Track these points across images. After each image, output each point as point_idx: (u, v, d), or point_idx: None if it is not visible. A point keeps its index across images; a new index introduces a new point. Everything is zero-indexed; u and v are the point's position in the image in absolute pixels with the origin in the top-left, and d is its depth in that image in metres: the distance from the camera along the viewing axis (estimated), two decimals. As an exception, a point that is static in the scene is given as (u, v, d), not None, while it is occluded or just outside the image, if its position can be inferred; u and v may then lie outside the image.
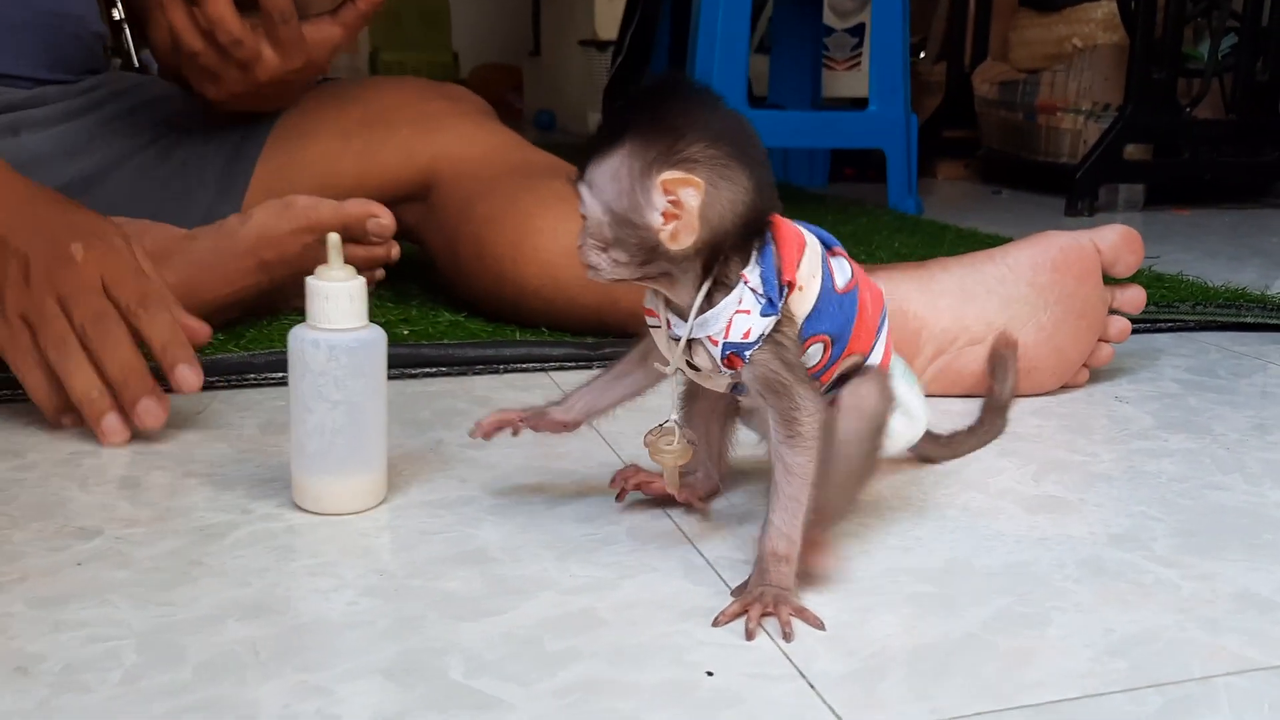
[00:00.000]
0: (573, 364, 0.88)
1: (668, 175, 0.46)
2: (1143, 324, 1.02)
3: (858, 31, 2.55)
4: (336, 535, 0.55)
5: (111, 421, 0.67)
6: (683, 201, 0.46)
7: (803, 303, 0.50)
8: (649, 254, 0.48)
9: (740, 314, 0.48)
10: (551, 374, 0.86)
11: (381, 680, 0.42)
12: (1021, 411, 0.78)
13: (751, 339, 0.48)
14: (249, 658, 0.44)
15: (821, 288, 0.51)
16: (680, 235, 0.47)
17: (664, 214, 0.46)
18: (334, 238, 0.56)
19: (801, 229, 0.52)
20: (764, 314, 0.48)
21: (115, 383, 0.67)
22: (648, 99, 0.48)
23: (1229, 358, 0.94)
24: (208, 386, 0.78)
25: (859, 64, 2.58)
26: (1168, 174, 2.06)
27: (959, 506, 0.61)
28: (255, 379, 0.80)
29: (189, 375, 0.67)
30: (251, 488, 0.61)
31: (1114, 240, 0.80)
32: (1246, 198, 2.15)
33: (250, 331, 0.90)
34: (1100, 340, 0.83)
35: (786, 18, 2.23)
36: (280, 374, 0.80)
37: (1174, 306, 1.06)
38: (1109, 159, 1.90)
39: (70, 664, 0.43)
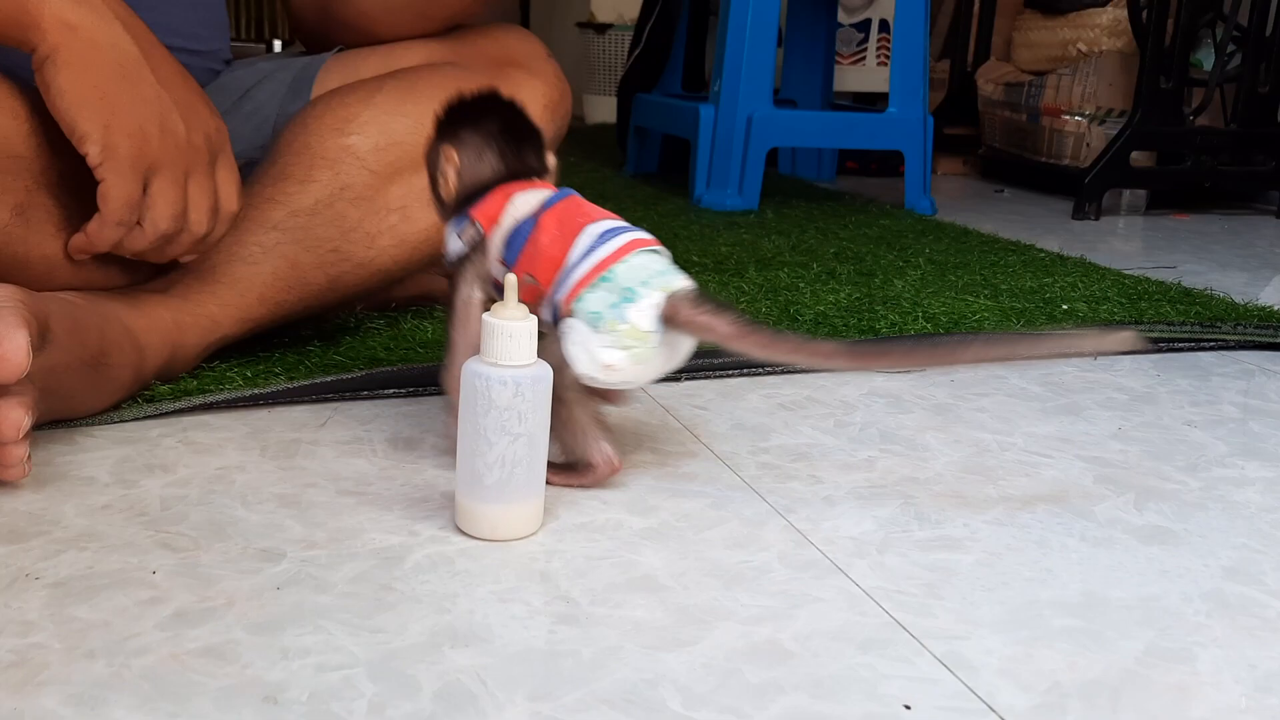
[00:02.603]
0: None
1: (447, 149, 0.71)
2: (1188, 343, 1.07)
3: (864, 26, 2.58)
4: (508, 560, 0.58)
5: None
6: (450, 166, 0.70)
7: (495, 236, 0.69)
8: (443, 200, 0.72)
9: (451, 236, 0.71)
10: (646, 387, 0.89)
11: (609, 711, 0.45)
12: (1101, 435, 0.82)
13: (450, 251, 0.71)
14: (478, 687, 0.47)
15: (512, 227, 0.68)
16: (448, 187, 0.71)
17: (443, 173, 0.71)
18: (511, 279, 0.59)
19: (537, 193, 0.70)
20: (456, 235, 0.70)
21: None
22: (465, 106, 0.73)
23: (1273, 379, 1.00)
24: (326, 400, 0.81)
25: (864, 59, 2.61)
26: (1170, 181, 2.12)
27: (1076, 536, 0.65)
28: (368, 394, 0.82)
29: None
30: (408, 508, 0.64)
31: None
32: (1237, 203, 2.22)
33: (340, 348, 0.93)
34: None
35: (801, 13, 2.25)
36: (393, 390, 0.83)
37: (1216, 326, 1.11)
38: (1116, 164, 1.95)
39: (314, 693, 0.46)
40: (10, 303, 0.62)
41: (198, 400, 0.77)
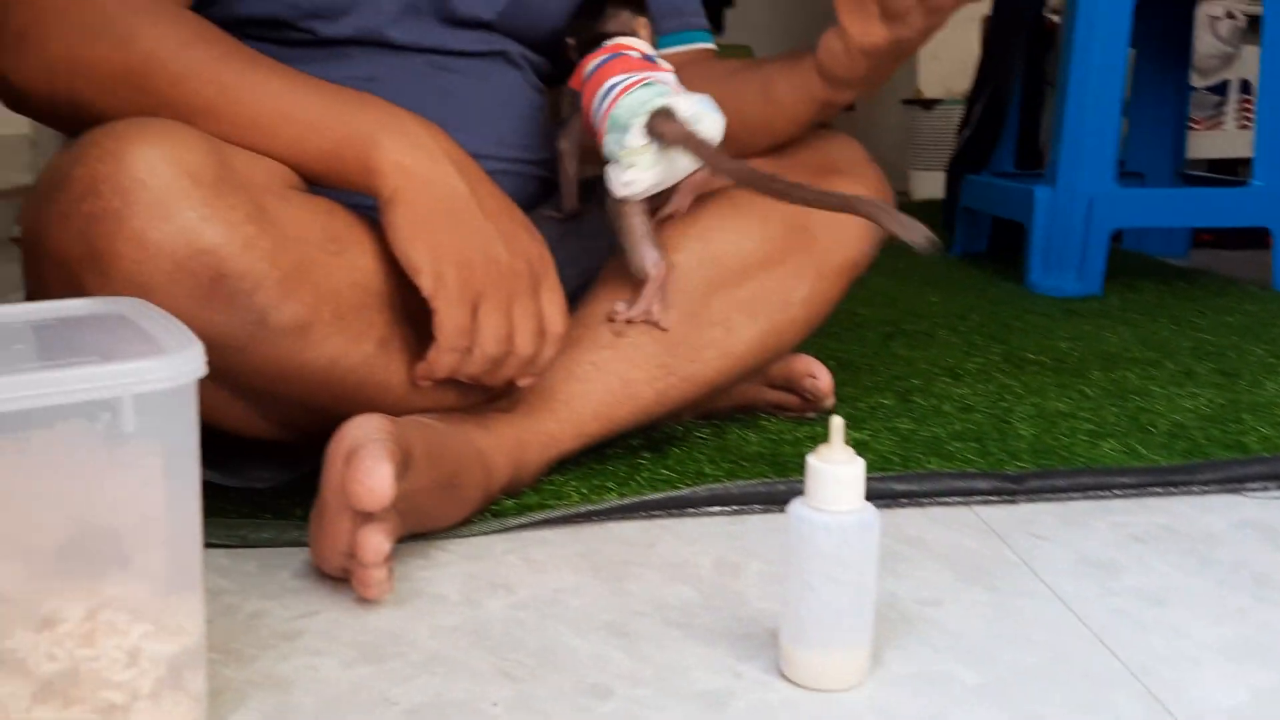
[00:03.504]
0: (997, 497, 0.86)
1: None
2: None
3: (1221, 89, 2.38)
4: (832, 713, 0.57)
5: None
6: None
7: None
8: None
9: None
10: (975, 508, 0.85)
11: None
12: None
13: None
14: None
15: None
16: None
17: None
18: (837, 421, 0.58)
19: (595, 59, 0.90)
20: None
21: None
22: None
23: None
24: (654, 517, 0.83)
25: (1222, 123, 2.41)
26: None
27: None
28: (694, 511, 0.84)
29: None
30: (732, 645, 0.64)
31: None
32: None
33: (668, 460, 0.95)
34: None
35: (1147, 78, 2.11)
36: (719, 508, 0.84)
37: None
38: None
39: None
40: (380, 435, 0.68)
41: (538, 516, 0.81)
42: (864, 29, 0.86)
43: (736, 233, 0.94)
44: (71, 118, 0.76)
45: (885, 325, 1.48)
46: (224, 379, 0.74)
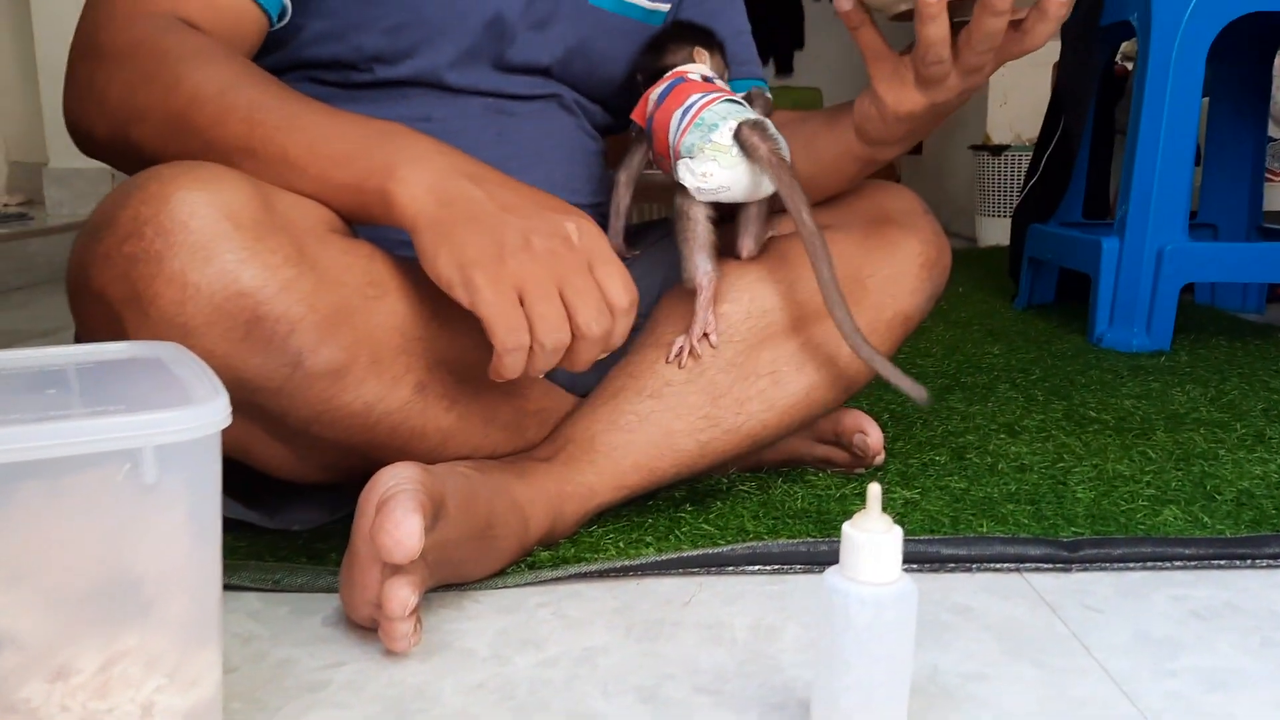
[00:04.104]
0: (1050, 565, 0.83)
1: None
2: None
3: (1302, 139, 2.31)
4: (865, 793, 0.54)
5: None
6: None
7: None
8: None
9: None
10: (1026, 575, 0.82)
11: None
12: None
13: None
14: None
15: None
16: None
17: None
18: (875, 488, 0.56)
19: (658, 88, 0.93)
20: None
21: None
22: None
23: None
24: (693, 574, 0.81)
25: (1303, 174, 2.34)
26: None
27: None
28: (733, 569, 0.82)
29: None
30: (763, 715, 0.62)
31: None
32: None
33: (710, 514, 0.93)
34: None
35: (1223, 128, 2.06)
36: (758, 567, 0.82)
37: None
38: None
39: None
40: (410, 485, 0.67)
41: (573, 570, 0.80)
42: (899, 96, 0.85)
43: (786, 284, 0.93)
44: (134, 160, 0.78)
45: (943, 377, 1.45)
46: (261, 420, 0.74)
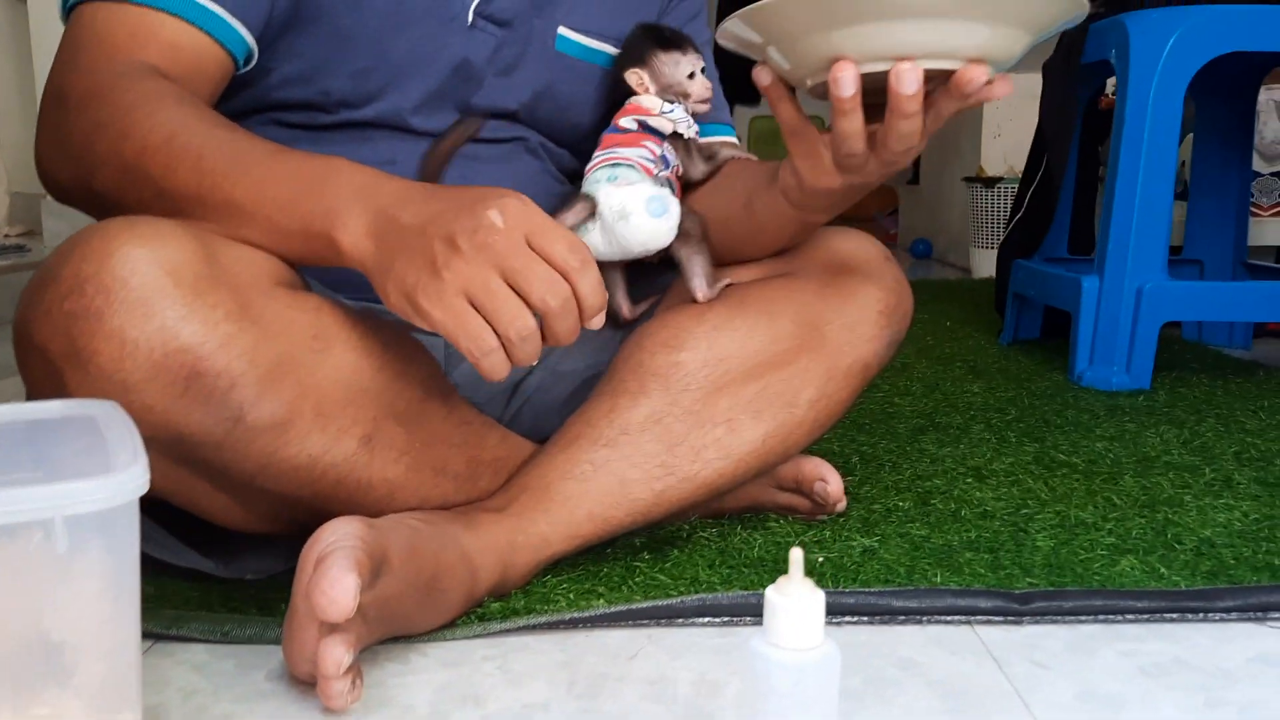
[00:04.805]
0: (1001, 617, 0.82)
1: None
2: None
3: (1289, 174, 2.31)
4: None
5: None
6: None
7: None
8: None
9: None
10: (977, 628, 0.82)
11: None
12: None
13: None
14: None
15: None
16: None
17: None
18: (796, 554, 0.56)
19: None
20: None
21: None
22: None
23: None
24: (642, 625, 0.81)
25: (1290, 209, 2.34)
26: None
27: None
28: (683, 622, 0.82)
29: (599, 321, 0.72)
30: (694, 777, 0.61)
31: None
32: None
33: (667, 562, 0.93)
34: None
35: (1208, 164, 2.06)
36: (707, 619, 0.82)
37: None
38: None
39: None
40: (349, 541, 0.67)
41: (521, 622, 0.80)
42: (816, 174, 0.82)
43: (744, 331, 0.93)
44: (97, 208, 0.79)
45: (919, 417, 1.45)
46: (205, 472, 0.74)
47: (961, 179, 3.35)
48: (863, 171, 0.79)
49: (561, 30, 1.00)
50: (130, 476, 0.50)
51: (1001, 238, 2.15)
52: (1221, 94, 1.99)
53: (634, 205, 0.90)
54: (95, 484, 0.48)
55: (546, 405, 1.04)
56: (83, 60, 0.81)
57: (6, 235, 3.84)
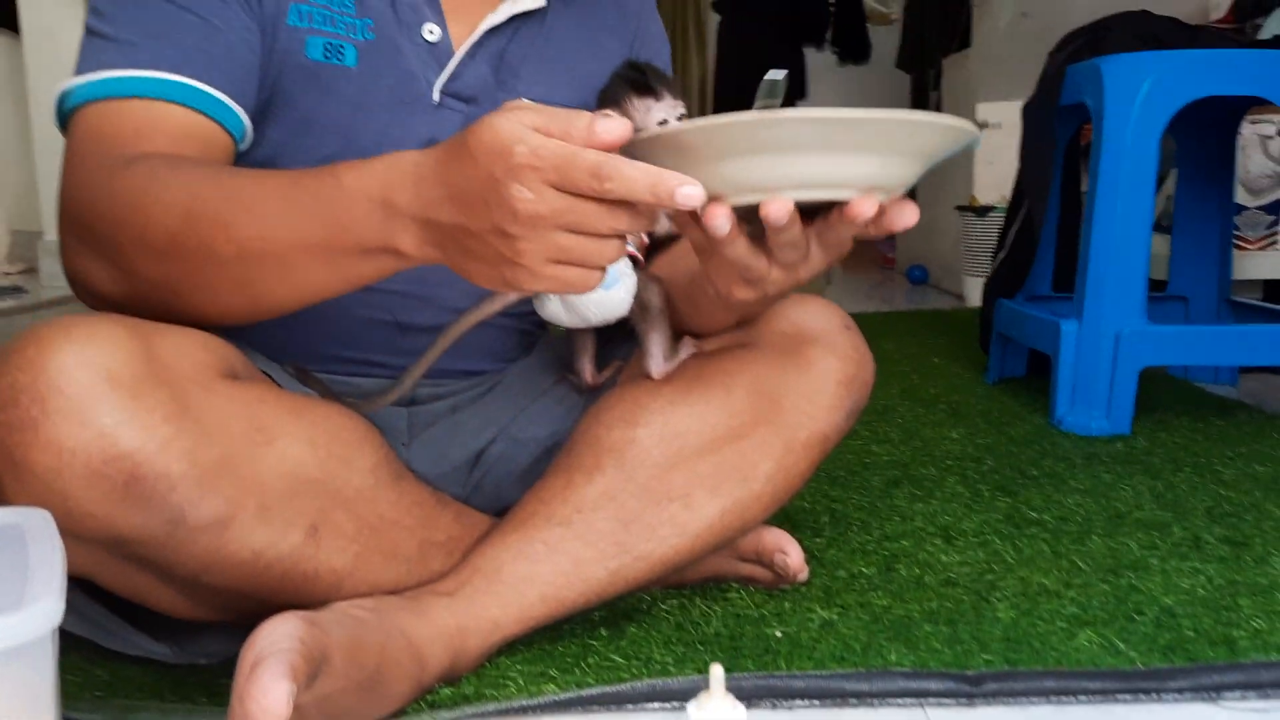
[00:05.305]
0: (952, 699, 0.82)
1: None
2: None
3: (1274, 209, 2.31)
4: None
5: None
6: None
7: None
8: None
9: None
10: (929, 709, 0.81)
11: None
12: None
13: None
14: None
15: None
16: None
17: None
18: (716, 671, 0.56)
19: None
20: None
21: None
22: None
23: None
24: (591, 710, 0.81)
25: (1275, 243, 2.33)
26: None
27: None
28: (633, 707, 0.81)
29: (693, 192, 0.63)
30: None
31: None
32: None
33: (624, 640, 0.93)
34: None
35: (1191, 199, 2.06)
36: (657, 704, 0.81)
37: None
38: None
39: None
40: (285, 644, 0.67)
41: (470, 711, 0.80)
42: (728, 287, 0.79)
43: (700, 405, 0.93)
44: (155, 303, 0.78)
45: (894, 468, 1.45)
46: (150, 568, 0.75)
47: (955, 208, 3.35)
48: (769, 284, 0.76)
49: (525, 102, 1.00)
50: (40, 611, 0.50)
51: (985, 279, 2.15)
52: (1201, 130, 1.99)
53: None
54: (4, 622, 0.48)
55: (508, 474, 1.04)
56: (88, 168, 0.80)
57: (7, 273, 3.86)
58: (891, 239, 4.59)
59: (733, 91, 6.41)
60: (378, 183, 0.71)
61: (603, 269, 0.68)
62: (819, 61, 6.34)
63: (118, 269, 0.77)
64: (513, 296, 0.91)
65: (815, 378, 0.96)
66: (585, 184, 0.64)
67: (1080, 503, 1.28)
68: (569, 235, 0.66)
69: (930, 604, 0.98)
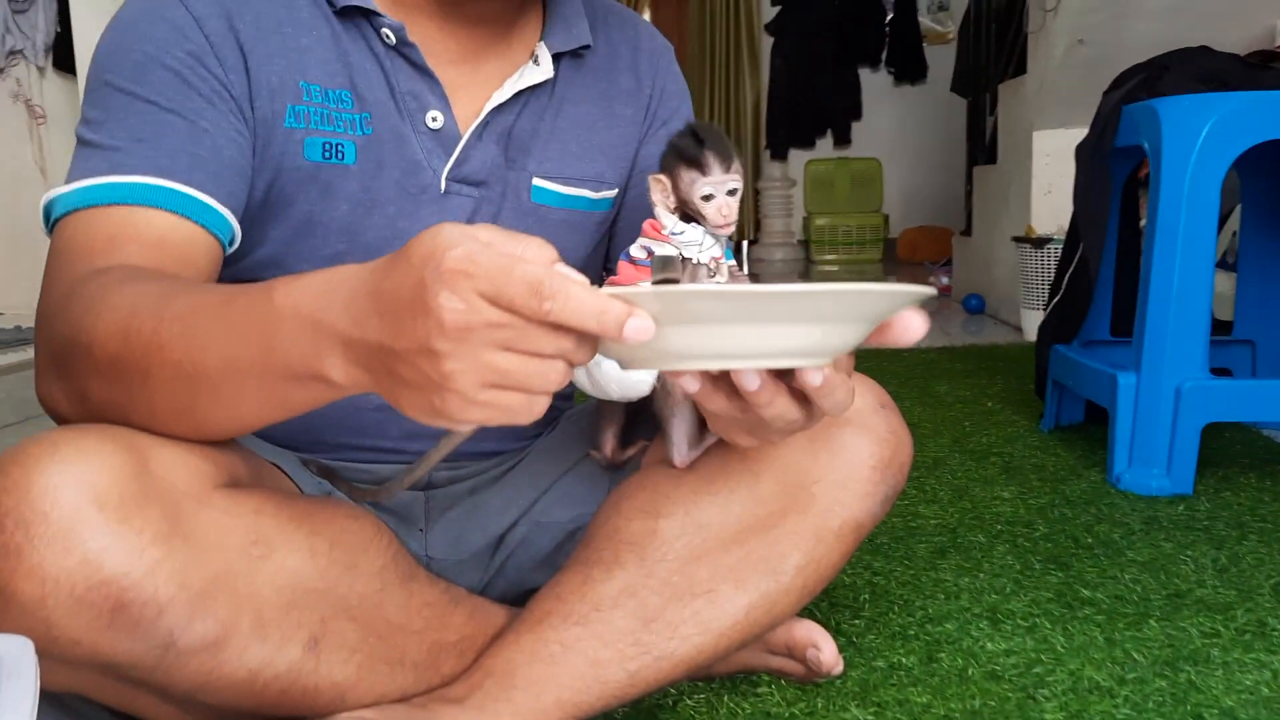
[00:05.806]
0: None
1: None
2: None
3: (1346, 244, 2.20)
4: None
5: None
6: None
7: None
8: None
9: None
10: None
11: None
12: None
13: None
14: None
15: None
16: None
17: None
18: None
19: None
20: None
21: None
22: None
23: None
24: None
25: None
26: None
27: None
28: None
29: (642, 325, 0.56)
30: None
31: None
32: None
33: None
34: None
35: (1256, 232, 1.97)
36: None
37: None
38: None
39: None
40: None
41: (477, 828, 0.76)
42: (727, 433, 0.74)
43: (725, 494, 0.89)
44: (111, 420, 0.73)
45: (941, 534, 1.39)
46: (145, 687, 0.72)
47: (1011, 239, 3.27)
48: (773, 434, 0.71)
49: (536, 181, 0.97)
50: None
51: (1040, 323, 2.07)
52: (1268, 165, 1.91)
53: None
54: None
55: (530, 558, 1.01)
56: (54, 283, 0.78)
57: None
58: (948, 264, 4.49)
59: (784, 112, 6.41)
60: (309, 299, 0.63)
61: (549, 394, 0.59)
62: (874, 82, 6.29)
63: (73, 390, 0.74)
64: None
65: (847, 462, 0.91)
66: (522, 302, 0.56)
67: (1137, 578, 1.21)
68: (505, 354, 0.57)
69: (973, 702, 0.93)
